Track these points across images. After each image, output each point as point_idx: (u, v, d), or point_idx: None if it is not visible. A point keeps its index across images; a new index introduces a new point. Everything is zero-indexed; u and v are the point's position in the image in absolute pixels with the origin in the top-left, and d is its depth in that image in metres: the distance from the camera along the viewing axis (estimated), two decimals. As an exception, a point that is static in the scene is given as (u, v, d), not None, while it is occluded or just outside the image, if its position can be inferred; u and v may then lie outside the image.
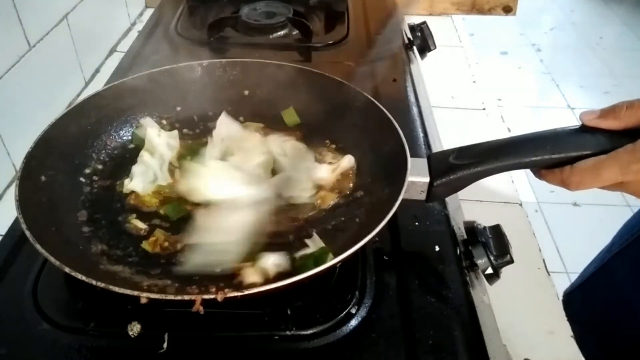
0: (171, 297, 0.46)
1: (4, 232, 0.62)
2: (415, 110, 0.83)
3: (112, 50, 1.16)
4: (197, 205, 0.60)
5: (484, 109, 1.06)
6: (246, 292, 0.45)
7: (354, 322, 0.52)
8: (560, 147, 0.52)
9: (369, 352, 0.50)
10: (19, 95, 0.82)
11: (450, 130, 0.91)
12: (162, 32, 1.05)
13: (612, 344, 0.89)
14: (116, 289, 0.45)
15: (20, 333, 0.50)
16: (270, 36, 1.02)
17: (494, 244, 0.59)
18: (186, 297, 0.45)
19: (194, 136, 0.72)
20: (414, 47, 1.04)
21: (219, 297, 0.45)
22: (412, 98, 0.86)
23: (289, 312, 0.51)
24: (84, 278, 0.45)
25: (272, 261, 0.52)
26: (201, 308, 0.45)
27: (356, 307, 0.53)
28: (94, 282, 0.45)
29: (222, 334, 0.51)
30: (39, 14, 0.87)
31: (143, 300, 0.45)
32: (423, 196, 0.57)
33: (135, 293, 0.45)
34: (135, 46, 1.00)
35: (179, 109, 0.74)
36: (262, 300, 0.52)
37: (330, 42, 1.01)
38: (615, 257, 0.91)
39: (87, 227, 0.58)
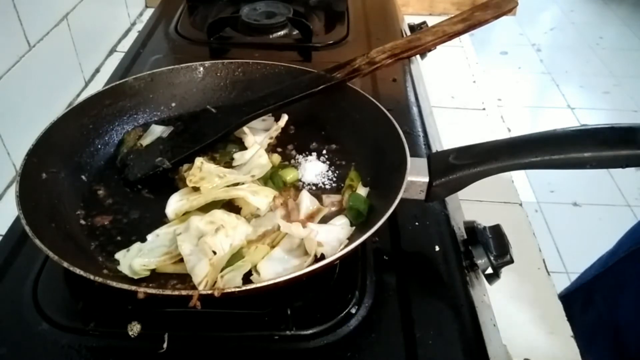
0: (168, 292, 0.46)
1: (4, 232, 0.62)
2: (415, 110, 0.83)
3: (112, 50, 1.16)
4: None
5: (484, 109, 1.06)
6: (243, 288, 0.45)
7: (354, 322, 0.51)
8: (560, 148, 0.52)
9: (369, 352, 0.50)
10: (19, 95, 0.82)
11: (450, 130, 0.91)
12: (162, 32, 1.05)
13: (622, 347, 0.88)
14: (114, 284, 0.45)
15: (20, 333, 0.50)
16: (270, 36, 1.02)
17: (494, 244, 0.59)
18: (183, 292, 0.45)
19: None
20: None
21: (216, 292, 0.45)
22: (412, 98, 0.86)
23: (289, 312, 0.51)
24: (82, 273, 0.45)
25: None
26: (198, 303, 0.44)
27: (356, 307, 0.53)
28: (91, 277, 0.45)
29: (222, 334, 0.51)
30: (39, 14, 0.87)
31: (140, 296, 0.45)
32: (422, 196, 0.57)
33: (133, 288, 0.45)
34: (135, 46, 1.00)
35: (179, 109, 0.74)
36: (262, 300, 0.52)
37: (330, 42, 1.01)
38: (621, 261, 0.90)
39: (86, 224, 0.58)
